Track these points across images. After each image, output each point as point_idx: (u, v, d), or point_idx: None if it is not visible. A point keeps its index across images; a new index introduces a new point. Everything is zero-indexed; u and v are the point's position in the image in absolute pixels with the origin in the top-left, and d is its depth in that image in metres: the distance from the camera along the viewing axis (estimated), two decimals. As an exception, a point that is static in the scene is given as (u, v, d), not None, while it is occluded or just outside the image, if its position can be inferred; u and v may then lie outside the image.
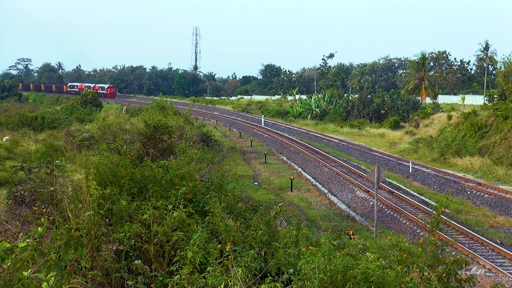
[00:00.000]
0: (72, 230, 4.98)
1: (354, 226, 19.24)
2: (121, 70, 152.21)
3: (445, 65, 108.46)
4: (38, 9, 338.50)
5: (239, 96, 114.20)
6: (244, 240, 6.18)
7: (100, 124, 21.77)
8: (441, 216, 6.61)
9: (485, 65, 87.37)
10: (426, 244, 6.02)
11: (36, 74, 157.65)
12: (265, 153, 35.80)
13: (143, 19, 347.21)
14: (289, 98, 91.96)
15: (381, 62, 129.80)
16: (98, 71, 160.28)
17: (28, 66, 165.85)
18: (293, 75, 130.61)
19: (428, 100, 72.01)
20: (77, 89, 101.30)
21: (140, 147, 18.50)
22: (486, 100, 53.86)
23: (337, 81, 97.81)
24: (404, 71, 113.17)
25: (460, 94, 78.30)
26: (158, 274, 5.70)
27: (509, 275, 14.12)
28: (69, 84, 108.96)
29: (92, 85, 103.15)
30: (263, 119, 60.69)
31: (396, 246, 5.92)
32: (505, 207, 22.39)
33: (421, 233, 18.13)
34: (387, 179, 26.26)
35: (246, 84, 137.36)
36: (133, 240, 6.00)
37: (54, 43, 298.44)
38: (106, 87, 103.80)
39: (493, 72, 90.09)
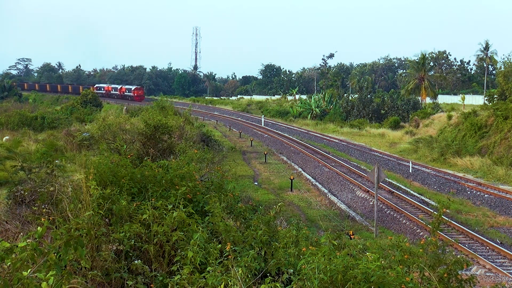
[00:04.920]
0: (72, 230, 4.97)
1: (354, 226, 19.23)
2: (121, 70, 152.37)
3: (445, 65, 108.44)
4: (38, 9, 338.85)
5: (239, 96, 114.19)
6: (244, 240, 6.17)
7: (100, 124, 21.74)
8: (442, 216, 6.60)
9: (485, 65, 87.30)
10: (427, 244, 6.02)
11: (36, 74, 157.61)
12: (265, 153, 35.78)
13: (143, 19, 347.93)
14: (289, 98, 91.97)
15: (381, 62, 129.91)
16: (98, 71, 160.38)
17: (28, 66, 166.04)
18: (293, 75, 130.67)
19: (428, 100, 71.96)
20: (104, 91, 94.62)
21: (140, 147, 18.46)
22: (486, 100, 53.82)
23: (337, 81, 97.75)
24: (404, 71, 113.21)
25: (460, 94, 78.27)
26: (158, 274, 5.69)
27: (509, 275, 14.12)
28: (96, 85, 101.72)
29: (119, 87, 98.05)
30: (263, 119, 60.66)
31: (397, 246, 5.92)
32: (505, 207, 22.39)
33: (421, 233, 18.13)
34: (387, 179, 26.26)
35: (246, 84, 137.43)
36: (133, 240, 5.99)
37: (54, 43, 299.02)
38: (133, 89, 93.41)
39: (493, 72, 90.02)
